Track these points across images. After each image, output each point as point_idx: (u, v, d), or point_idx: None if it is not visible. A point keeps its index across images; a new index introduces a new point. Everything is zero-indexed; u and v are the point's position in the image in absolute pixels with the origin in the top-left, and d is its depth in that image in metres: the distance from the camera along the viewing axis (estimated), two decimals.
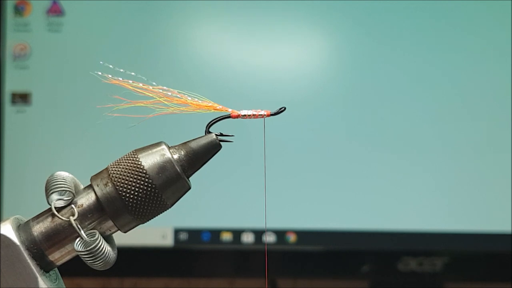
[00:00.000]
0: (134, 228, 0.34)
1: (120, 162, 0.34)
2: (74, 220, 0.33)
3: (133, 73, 0.35)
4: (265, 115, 0.36)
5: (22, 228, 0.33)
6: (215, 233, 0.86)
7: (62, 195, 0.33)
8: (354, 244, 0.86)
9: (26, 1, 0.87)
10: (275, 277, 0.92)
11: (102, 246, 0.32)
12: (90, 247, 0.32)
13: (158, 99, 0.35)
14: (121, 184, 0.33)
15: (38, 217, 0.34)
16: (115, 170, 0.33)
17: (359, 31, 0.87)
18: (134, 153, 0.34)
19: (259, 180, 0.83)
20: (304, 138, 0.86)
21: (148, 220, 0.34)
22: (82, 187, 0.35)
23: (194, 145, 0.34)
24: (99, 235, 0.33)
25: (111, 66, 0.35)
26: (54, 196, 0.33)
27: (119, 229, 0.34)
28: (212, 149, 0.35)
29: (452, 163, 0.86)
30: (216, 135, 0.35)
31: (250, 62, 0.87)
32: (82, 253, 0.32)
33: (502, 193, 0.85)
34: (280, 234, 0.86)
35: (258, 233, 0.86)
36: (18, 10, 0.87)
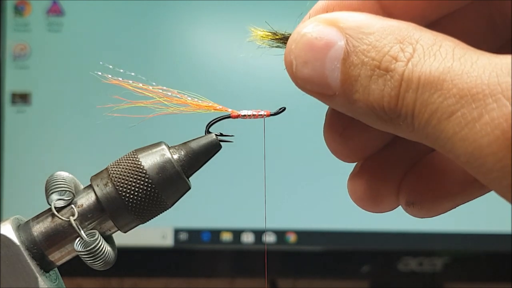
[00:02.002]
0: (134, 228, 0.34)
1: (120, 162, 0.34)
2: (74, 220, 0.33)
3: (133, 73, 0.35)
4: (265, 115, 0.36)
5: (22, 228, 0.33)
6: (215, 233, 0.86)
7: (62, 195, 0.33)
8: (354, 244, 0.86)
9: (26, 1, 0.87)
10: (275, 277, 0.92)
11: (102, 246, 0.32)
12: (90, 247, 0.32)
13: (158, 99, 0.35)
14: (121, 184, 0.33)
15: (38, 217, 0.34)
16: (115, 170, 0.33)
17: None
18: (134, 153, 0.34)
19: (259, 180, 0.83)
20: (304, 138, 0.86)
21: (148, 220, 0.34)
22: (82, 187, 0.35)
23: (194, 145, 0.34)
24: (99, 235, 0.33)
25: (110, 66, 0.35)
26: (54, 196, 0.33)
27: (119, 229, 0.34)
28: (212, 149, 0.35)
29: None
30: (216, 135, 0.35)
31: (250, 62, 0.87)
32: (82, 253, 0.32)
33: None
34: (280, 234, 0.86)
35: (258, 233, 0.86)
36: (18, 10, 0.87)
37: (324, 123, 0.32)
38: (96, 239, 0.32)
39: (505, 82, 0.23)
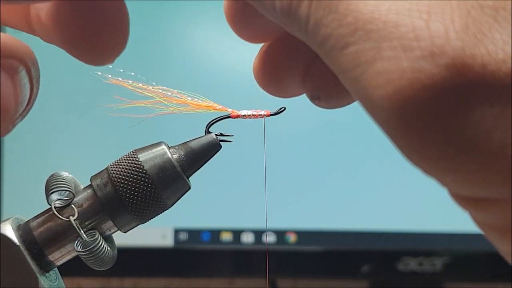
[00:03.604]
0: (134, 228, 0.34)
1: (120, 162, 0.34)
2: (74, 220, 0.33)
3: (133, 73, 0.35)
4: (265, 115, 0.37)
5: (22, 228, 0.33)
6: (215, 233, 0.86)
7: (62, 195, 0.33)
8: (354, 244, 0.86)
9: None
10: (275, 277, 0.92)
11: (101, 246, 0.32)
12: (90, 247, 0.32)
13: (158, 99, 0.35)
14: (121, 184, 0.33)
15: (38, 217, 0.34)
16: (115, 170, 0.33)
17: None
18: (134, 153, 0.34)
19: (259, 180, 0.83)
20: (304, 138, 0.86)
21: (148, 220, 0.34)
22: (82, 187, 0.35)
23: (194, 145, 0.34)
24: (99, 235, 0.33)
25: (110, 66, 0.35)
26: (54, 196, 0.33)
27: (119, 229, 0.34)
28: (212, 149, 0.35)
29: None
30: (216, 135, 0.35)
31: (251, 62, 0.87)
32: (82, 253, 0.32)
33: None
34: (280, 234, 0.86)
35: (258, 233, 0.86)
36: None
37: (224, 1, 0.29)
38: (96, 239, 0.32)
39: (404, 26, 0.20)
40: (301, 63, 0.30)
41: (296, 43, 0.28)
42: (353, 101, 0.30)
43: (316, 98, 0.30)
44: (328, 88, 0.30)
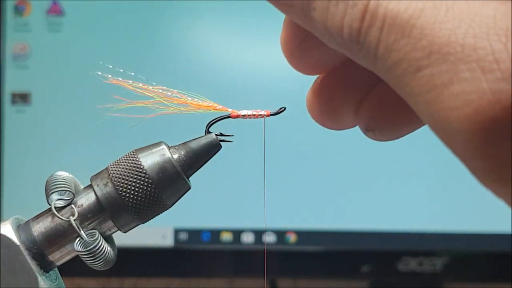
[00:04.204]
0: (134, 228, 0.34)
1: (120, 162, 0.34)
2: (74, 220, 0.33)
3: (132, 73, 0.35)
4: (265, 115, 0.36)
5: (22, 228, 0.33)
6: (215, 233, 0.86)
7: (62, 195, 0.33)
8: (354, 244, 0.86)
9: (26, 1, 0.87)
10: (275, 277, 0.92)
11: (102, 246, 0.33)
12: (90, 247, 0.32)
13: (158, 99, 0.35)
14: (121, 184, 0.33)
15: (38, 217, 0.34)
16: (115, 170, 0.33)
17: None
18: (134, 153, 0.34)
19: (259, 180, 0.83)
20: (304, 138, 0.86)
21: (148, 220, 0.34)
22: (82, 187, 0.35)
23: (194, 145, 0.34)
24: (99, 235, 0.33)
25: (110, 66, 0.35)
26: (54, 196, 0.33)
27: (119, 229, 0.34)
28: (212, 149, 0.35)
29: (452, 162, 0.86)
30: (216, 135, 0.35)
31: (251, 62, 0.87)
32: (82, 253, 0.32)
33: None
34: (280, 234, 0.86)
35: (258, 233, 0.86)
36: (18, 10, 0.87)
37: (281, 33, 0.29)
38: (96, 239, 0.32)
39: (483, 49, 0.20)
40: (355, 95, 0.30)
41: (351, 75, 0.28)
42: (407, 133, 0.30)
43: (370, 130, 0.30)
44: (383, 120, 0.30)
